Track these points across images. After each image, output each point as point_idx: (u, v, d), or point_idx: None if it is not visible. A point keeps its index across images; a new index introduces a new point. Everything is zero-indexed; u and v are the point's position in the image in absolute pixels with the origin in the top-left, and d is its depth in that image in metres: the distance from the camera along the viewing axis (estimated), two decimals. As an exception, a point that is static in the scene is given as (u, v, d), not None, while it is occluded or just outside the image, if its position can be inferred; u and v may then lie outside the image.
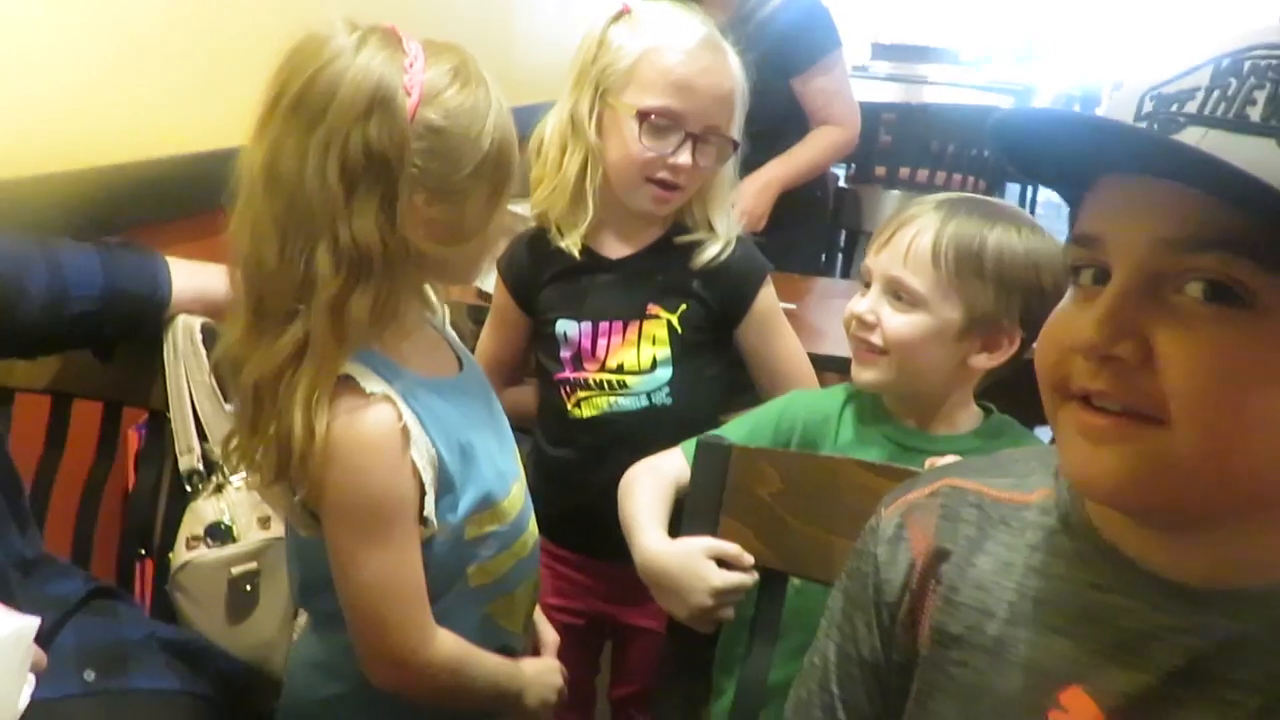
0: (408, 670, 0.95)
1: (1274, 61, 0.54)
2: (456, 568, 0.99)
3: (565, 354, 1.31)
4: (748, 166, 2.14)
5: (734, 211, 1.37)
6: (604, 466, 1.23)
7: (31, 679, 0.58)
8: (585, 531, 1.32)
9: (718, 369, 1.35)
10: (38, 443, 1.26)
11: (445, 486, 0.95)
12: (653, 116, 1.21)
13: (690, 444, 1.07)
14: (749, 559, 0.98)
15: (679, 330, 1.29)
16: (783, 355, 1.34)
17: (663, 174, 1.23)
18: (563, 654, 1.31)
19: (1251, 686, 0.57)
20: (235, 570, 1.14)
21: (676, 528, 1.06)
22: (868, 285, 1.09)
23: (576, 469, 1.32)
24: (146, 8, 1.58)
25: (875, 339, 1.06)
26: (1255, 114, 0.53)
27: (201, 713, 1.06)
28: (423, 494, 0.92)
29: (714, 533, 0.99)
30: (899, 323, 1.05)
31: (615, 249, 1.31)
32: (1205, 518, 0.58)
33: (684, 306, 1.29)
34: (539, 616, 1.17)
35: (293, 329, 0.88)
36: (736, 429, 1.13)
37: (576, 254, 1.28)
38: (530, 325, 1.36)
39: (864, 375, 1.08)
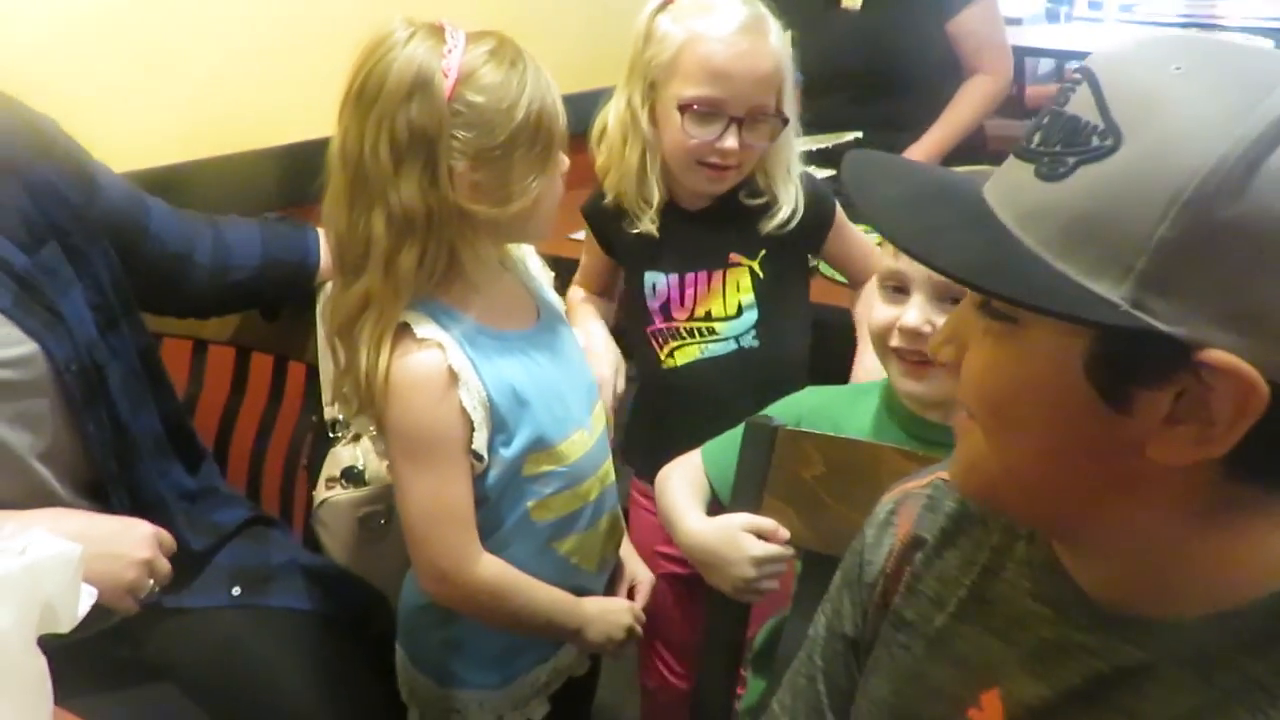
0: (449, 585, 1.09)
1: (1073, 81, 0.54)
2: (514, 500, 1.10)
3: (654, 305, 1.36)
4: (908, 123, 2.11)
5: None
6: (702, 411, 1.27)
7: (90, 591, 0.71)
8: None
9: (800, 306, 1.40)
10: (225, 388, 1.47)
11: (497, 425, 1.06)
12: (694, 106, 1.24)
13: (710, 445, 1.13)
14: (785, 533, 1.01)
15: (760, 275, 1.34)
16: (860, 247, 1.40)
17: (712, 159, 1.26)
18: (670, 601, 1.40)
19: (1142, 719, 0.57)
20: (364, 510, 1.29)
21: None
22: (898, 290, 1.02)
23: (676, 417, 1.37)
24: (307, 4, 1.76)
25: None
26: (1035, 139, 0.55)
27: (329, 632, 1.22)
28: (472, 430, 1.04)
29: (757, 510, 1.03)
30: None
31: (692, 201, 1.35)
32: (1054, 530, 0.62)
33: (764, 251, 1.33)
34: (638, 561, 1.27)
35: (360, 282, 1.03)
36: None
37: (655, 232, 1.32)
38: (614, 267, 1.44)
39: (915, 388, 1.01)
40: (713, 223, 1.34)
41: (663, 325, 1.37)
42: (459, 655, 1.18)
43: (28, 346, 1.02)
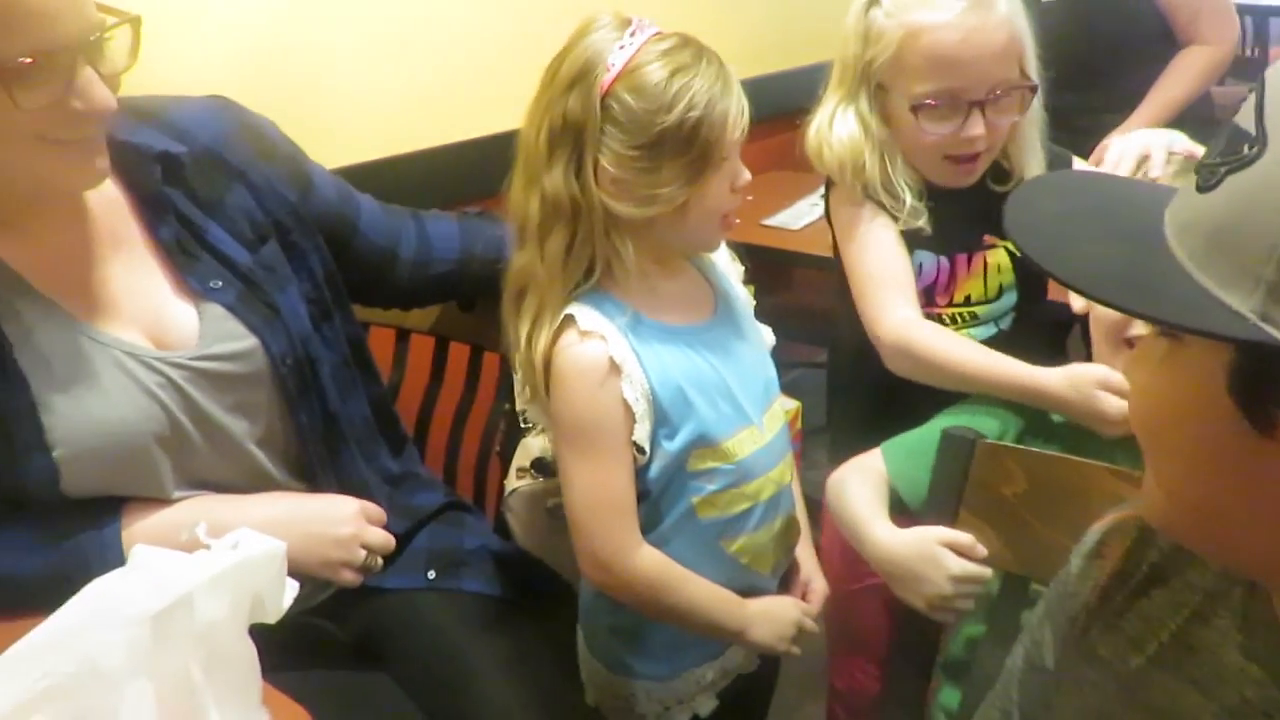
0: (607, 574, 1.10)
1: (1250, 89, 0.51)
2: (678, 495, 1.10)
3: (918, 286, 1.29)
4: (1119, 96, 1.96)
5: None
6: (956, 399, 1.21)
7: (293, 584, 0.75)
8: None
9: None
10: (425, 375, 1.53)
11: (660, 418, 1.06)
12: (928, 103, 1.17)
13: (890, 445, 1.07)
14: (982, 550, 0.96)
15: (1018, 253, 1.25)
16: None
17: (957, 149, 1.19)
18: (872, 608, 1.35)
19: None
20: (552, 501, 1.31)
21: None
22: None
23: (929, 405, 1.26)
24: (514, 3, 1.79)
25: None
26: (1209, 151, 0.53)
27: (517, 616, 1.25)
28: (634, 422, 1.04)
29: (951, 525, 0.98)
30: None
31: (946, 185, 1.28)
32: (1253, 571, 0.58)
33: None
34: (815, 566, 1.24)
35: (519, 256, 1.07)
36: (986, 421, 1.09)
37: (925, 226, 1.25)
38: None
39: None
40: (967, 206, 1.27)
41: (926, 310, 1.30)
42: (628, 644, 1.19)
43: (248, 341, 1.09)
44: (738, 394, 1.12)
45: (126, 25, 0.97)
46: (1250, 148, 0.49)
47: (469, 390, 1.51)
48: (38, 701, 0.65)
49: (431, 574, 1.25)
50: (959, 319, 1.30)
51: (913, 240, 1.28)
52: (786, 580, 1.24)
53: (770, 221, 2.19)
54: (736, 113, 1.04)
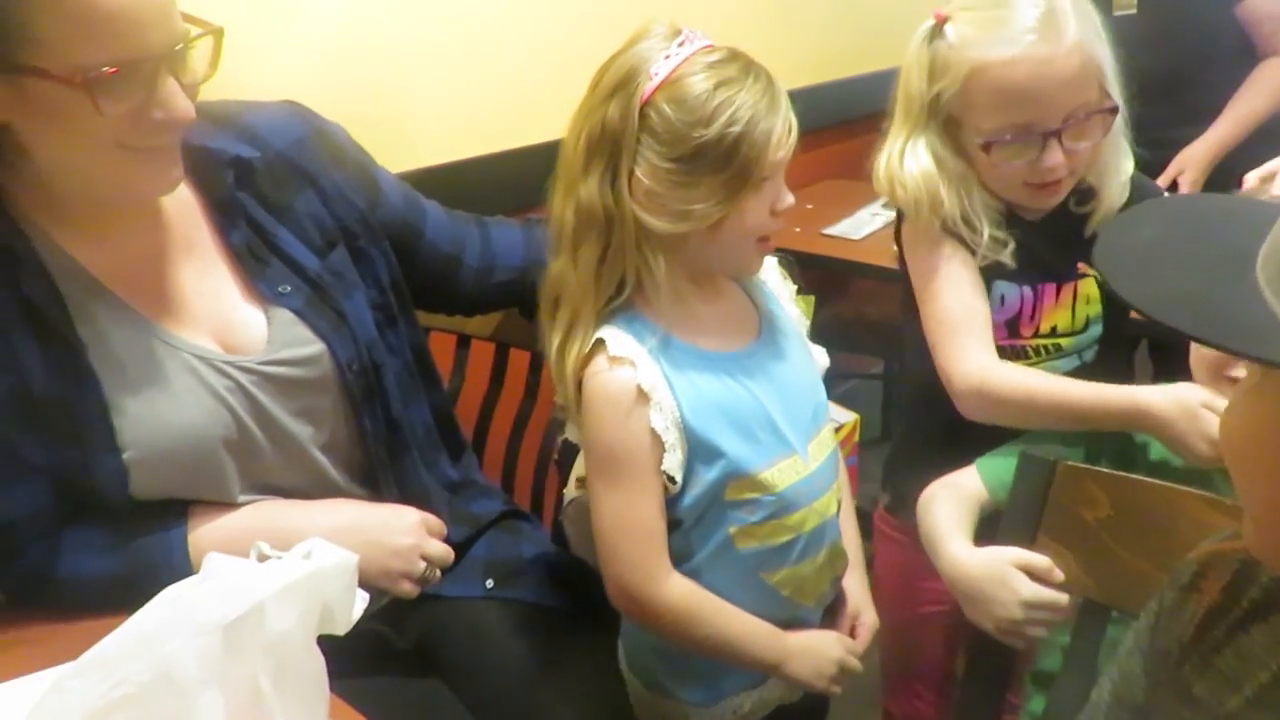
0: (633, 603, 1.08)
1: None
2: (714, 525, 1.07)
3: (998, 319, 1.24)
4: (1197, 109, 1.90)
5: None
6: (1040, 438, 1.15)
7: (364, 595, 0.75)
8: None
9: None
10: (485, 381, 1.52)
11: (694, 448, 1.04)
12: (998, 139, 1.12)
13: (984, 461, 1.03)
14: (1059, 575, 0.93)
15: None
16: None
17: (1037, 178, 1.14)
18: (929, 636, 1.31)
19: None
20: (610, 512, 1.30)
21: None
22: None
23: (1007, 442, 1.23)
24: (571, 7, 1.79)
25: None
26: None
27: (571, 628, 1.24)
28: (664, 451, 1.02)
29: (1029, 549, 0.95)
30: None
31: (1029, 214, 1.23)
32: None
33: None
34: (865, 599, 1.20)
35: (555, 264, 1.06)
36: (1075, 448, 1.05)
37: (1008, 260, 1.20)
38: None
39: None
40: (1058, 231, 1.22)
41: (1005, 343, 1.25)
42: (666, 664, 1.17)
43: (316, 346, 1.09)
44: (780, 422, 1.09)
45: (209, 36, 0.97)
46: None
47: (529, 397, 1.50)
48: (113, 709, 0.65)
49: (489, 583, 1.24)
50: (1043, 350, 1.25)
51: (992, 272, 1.23)
52: (833, 611, 1.20)
53: (831, 231, 2.17)
54: (782, 132, 1.00)
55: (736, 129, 0.98)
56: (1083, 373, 1.24)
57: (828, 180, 2.45)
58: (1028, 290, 1.23)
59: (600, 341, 1.04)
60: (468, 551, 1.26)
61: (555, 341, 1.07)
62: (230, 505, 1.05)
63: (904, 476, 1.35)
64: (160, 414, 1.00)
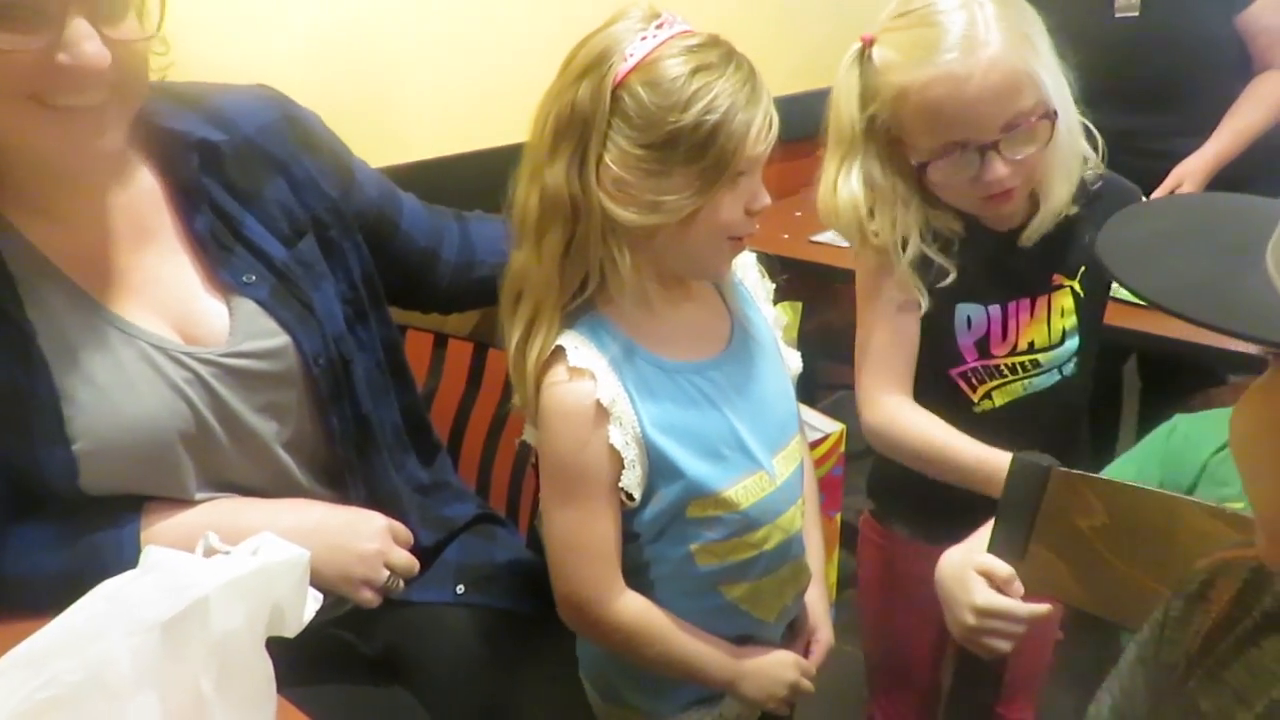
0: (583, 619, 1.04)
1: None
2: (674, 542, 1.03)
3: (967, 341, 1.22)
4: (1193, 120, 1.89)
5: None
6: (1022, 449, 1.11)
7: (317, 596, 0.70)
8: None
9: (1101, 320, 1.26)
10: (462, 382, 1.48)
11: (655, 463, 0.99)
12: (933, 159, 1.09)
13: None
14: (1019, 587, 0.89)
15: (1081, 294, 1.20)
16: None
17: (984, 190, 1.11)
18: (913, 643, 1.27)
19: None
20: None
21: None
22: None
23: None
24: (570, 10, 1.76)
25: None
26: None
27: (544, 633, 1.19)
28: (622, 468, 0.98)
29: (1020, 559, 0.91)
30: None
31: (994, 225, 1.20)
32: None
33: (1083, 268, 1.19)
34: (823, 616, 1.17)
35: (518, 255, 1.01)
36: (1122, 471, 1.02)
37: (952, 274, 1.17)
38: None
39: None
40: (1029, 243, 1.19)
41: (977, 364, 1.22)
42: (621, 675, 1.14)
43: (280, 339, 1.04)
44: (746, 437, 1.04)
45: None
46: None
47: (506, 399, 1.45)
48: (39, 711, 0.60)
49: (460, 588, 1.19)
50: (1020, 368, 1.21)
51: (955, 295, 1.20)
52: (795, 626, 1.17)
53: (819, 238, 2.14)
54: (761, 125, 0.94)
55: (714, 117, 0.92)
56: (1066, 387, 1.21)
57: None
58: (995, 309, 1.20)
59: (560, 350, 0.99)
60: (439, 556, 1.21)
61: (515, 337, 1.02)
62: (187, 502, 1.00)
63: (889, 485, 1.32)
64: (113, 404, 0.95)
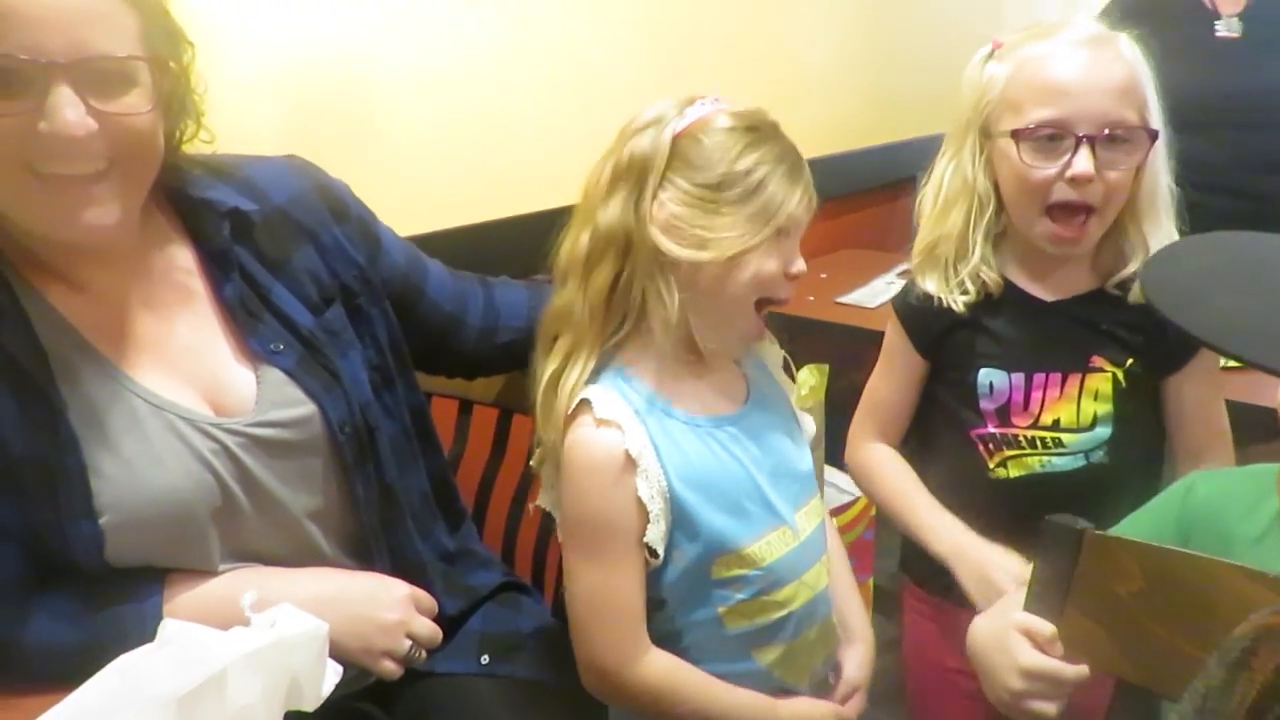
0: (609, 683, 1.02)
1: None
2: (700, 603, 1.02)
3: (988, 406, 1.20)
4: None
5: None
6: (1034, 533, 1.03)
7: (337, 668, 0.69)
8: None
9: (1159, 419, 1.20)
10: (487, 448, 1.48)
11: (678, 519, 0.98)
12: (1031, 130, 1.08)
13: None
14: (1059, 648, 0.87)
15: (1123, 384, 1.15)
16: (1207, 419, 1.15)
17: (1062, 195, 1.08)
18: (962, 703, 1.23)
19: None
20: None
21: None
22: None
23: (1000, 536, 1.17)
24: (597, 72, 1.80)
25: None
26: None
27: (570, 705, 1.17)
28: (647, 522, 0.97)
29: (1056, 625, 0.88)
30: None
31: (1043, 291, 1.18)
32: None
33: (1131, 360, 1.14)
34: (857, 667, 1.15)
35: (562, 294, 1.05)
36: (1133, 526, 0.98)
37: (960, 308, 1.19)
38: (926, 371, 1.28)
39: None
40: (1074, 317, 1.17)
41: (996, 430, 1.20)
42: None
43: (306, 407, 1.05)
44: (768, 491, 1.04)
45: (141, 63, 0.91)
46: None
47: (530, 467, 1.45)
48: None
49: (485, 659, 1.18)
50: (1041, 443, 1.18)
51: (980, 359, 1.19)
52: (824, 687, 1.14)
53: (845, 299, 2.14)
54: (804, 193, 1.01)
55: (765, 168, 0.99)
56: (1091, 475, 1.17)
57: (844, 250, 2.43)
58: (1018, 378, 1.18)
59: (585, 402, 1.00)
60: (463, 625, 1.20)
61: (549, 369, 1.03)
62: (209, 573, 1.00)
63: (920, 550, 1.29)
64: (140, 477, 0.95)
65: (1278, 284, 0.50)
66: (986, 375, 1.19)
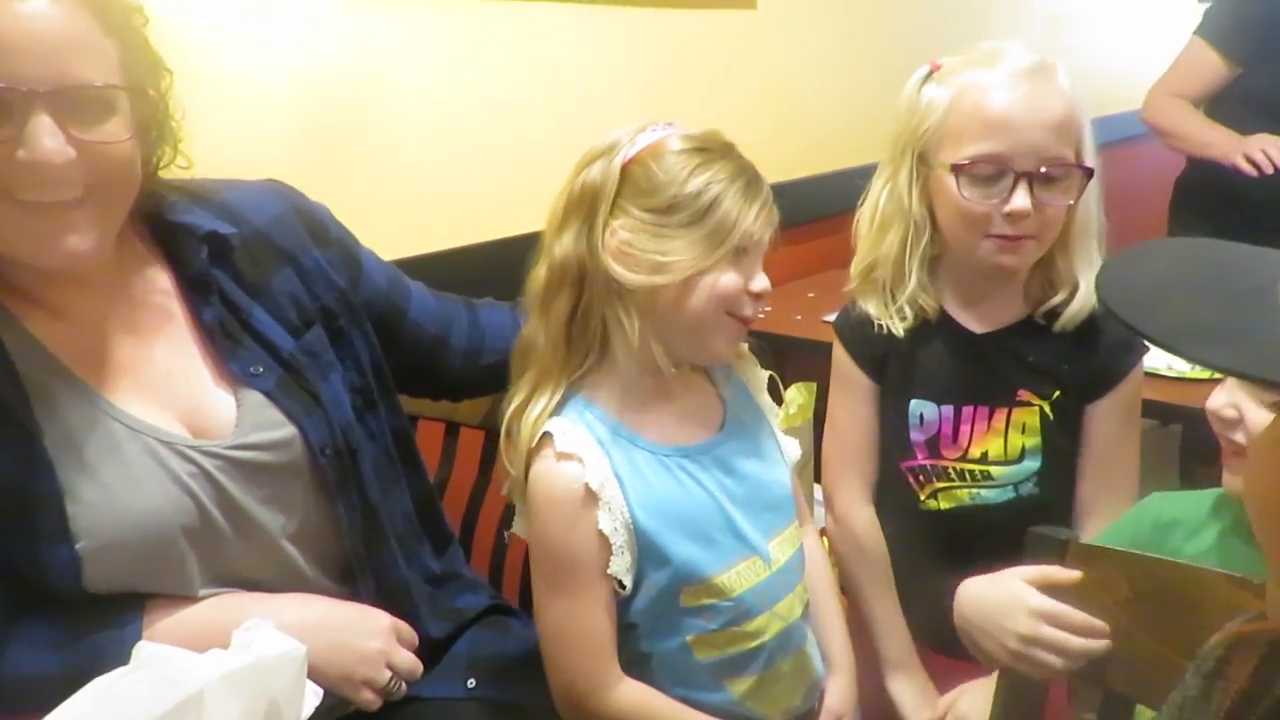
0: (581, 711, 1.01)
1: None
2: (670, 632, 1.01)
3: (918, 438, 1.21)
4: None
5: None
6: (965, 563, 1.06)
7: (317, 691, 0.68)
8: (946, 632, 1.11)
9: None
10: (474, 471, 1.47)
11: (644, 550, 0.98)
12: (970, 165, 1.08)
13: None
14: (1076, 574, 0.86)
15: (1051, 417, 1.15)
16: (1112, 464, 1.16)
17: (1000, 228, 1.09)
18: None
19: None
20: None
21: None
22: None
23: (932, 566, 1.19)
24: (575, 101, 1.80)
25: (1239, 438, 0.86)
26: None
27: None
28: (610, 554, 0.97)
29: (1040, 640, 0.88)
30: (1263, 419, 0.84)
31: (975, 323, 1.19)
32: None
33: (1058, 393, 1.15)
34: (840, 698, 1.14)
35: (527, 326, 1.05)
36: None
37: (900, 333, 1.19)
38: (879, 393, 1.26)
39: (1231, 483, 0.89)
40: (1002, 350, 1.17)
41: (926, 462, 1.20)
42: None
43: (286, 430, 1.04)
44: (739, 521, 1.03)
45: (122, 92, 0.91)
46: None
47: (517, 487, 1.44)
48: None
49: (471, 682, 1.17)
50: (969, 475, 1.18)
51: (911, 389, 1.20)
52: (813, 713, 1.13)
53: (832, 318, 2.14)
54: (759, 211, 1.00)
55: (716, 189, 0.98)
56: (1019, 507, 1.17)
57: (831, 269, 2.43)
58: (948, 409, 1.18)
59: (547, 435, 1.00)
60: (449, 648, 1.19)
61: (515, 402, 1.04)
62: (189, 599, 0.99)
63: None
64: (118, 501, 0.94)
65: (1234, 288, 0.50)
66: (917, 406, 1.20)
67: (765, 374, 1.18)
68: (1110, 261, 0.56)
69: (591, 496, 0.97)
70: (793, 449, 1.18)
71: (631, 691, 1.01)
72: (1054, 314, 1.16)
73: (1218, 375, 0.86)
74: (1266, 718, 0.57)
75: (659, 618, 1.01)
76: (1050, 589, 0.87)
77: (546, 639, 1.03)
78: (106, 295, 1.00)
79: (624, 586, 0.99)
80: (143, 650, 0.64)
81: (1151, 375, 1.48)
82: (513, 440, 1.04)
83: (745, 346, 1.16)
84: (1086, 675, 0.86)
